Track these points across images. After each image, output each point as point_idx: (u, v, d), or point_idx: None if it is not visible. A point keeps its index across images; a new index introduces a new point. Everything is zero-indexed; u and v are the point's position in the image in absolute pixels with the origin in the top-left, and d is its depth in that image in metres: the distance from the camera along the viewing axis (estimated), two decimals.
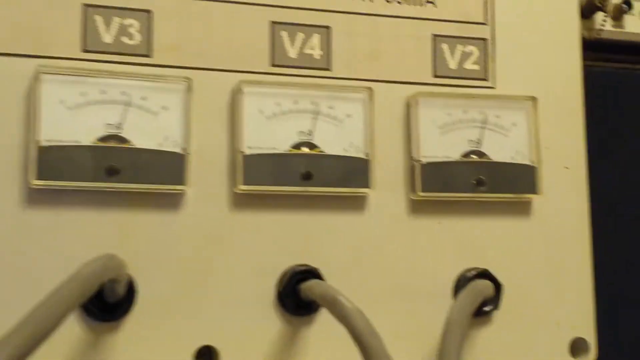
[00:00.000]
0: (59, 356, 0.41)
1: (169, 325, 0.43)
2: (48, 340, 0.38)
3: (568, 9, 0.53)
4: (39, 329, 0.27)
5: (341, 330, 0.40)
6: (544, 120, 0.51)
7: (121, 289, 0.39)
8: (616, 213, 0.56)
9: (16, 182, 0.42)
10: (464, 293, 0.43)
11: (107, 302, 0.41)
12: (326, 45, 0.48)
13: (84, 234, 0.42)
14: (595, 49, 0.57)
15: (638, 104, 0.59)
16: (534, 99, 0.50)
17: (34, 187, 0.41)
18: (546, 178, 0.50)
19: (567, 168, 0.51)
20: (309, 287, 0.42)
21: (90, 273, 0.32)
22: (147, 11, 0.45)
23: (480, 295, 0.44)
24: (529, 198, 0.50)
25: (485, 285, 0.45)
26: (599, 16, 0.56)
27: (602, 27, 0.57)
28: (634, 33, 0.58)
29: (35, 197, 0.42)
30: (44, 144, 0.42)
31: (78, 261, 0.41)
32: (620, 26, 0.58)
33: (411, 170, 0.48)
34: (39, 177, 0.41)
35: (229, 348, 0.44)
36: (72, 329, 0.41)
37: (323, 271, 0.45)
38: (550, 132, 0.51)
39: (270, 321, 0.45)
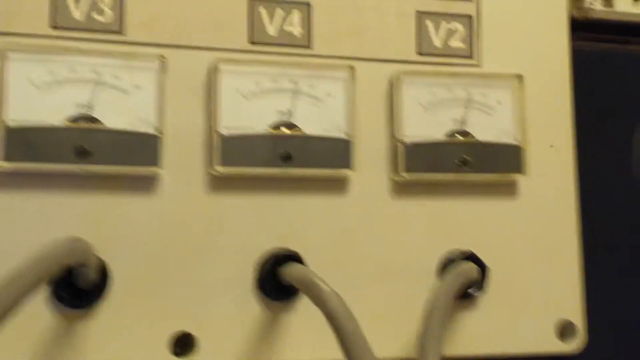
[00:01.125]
0: (29, 343, 0.40)
1: (144, 312, 0.42)
2: (18, 328, 0.37)
3: None
4: None
5: (321, 315, 0.39)
6: (530, 99, 0.49)
7: (92, 274, 0.38)
8: (604, 192, 0.55)
9: None
10: (447, 276, 0.42)
11: (79, 288, 0.39)
12: (307, 22, 0.47)
13: (55, 217, 0.41)
14: (584, 29, 0.56)
15: (627, 83, 0.58)
16: (519, 77, 0.49)
17: (1, 170, 0.40)
18: (532, 157, 0.49)
19: (552, 147, 0.50)
20: (289, 272, 0.41)
21: (50, 254, 0.31)
22: None
23: (464, 278, 0.43)
24: (514, 178, 0.49)
25: (470, 267, 0.44)
26: None
27: (591, 7, 0.55)
28: (623, 12, 0.56)
29: (2, 180, 0.40)
30: (11, 124, 0.40)
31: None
32: (610, 5, 0.56)
33: (394, 151, 0.46)
34: (6, 159, 0.40)
35: (207, 334, 0.43)
36: (43, 315, 0.40)
37: (304, 255, 0.44)
38: (537, 111, 0.50)
39: (249, 306, 0.44)
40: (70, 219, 0.41)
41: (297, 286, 0.38)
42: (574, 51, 0.52)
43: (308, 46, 0.47)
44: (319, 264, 0.44)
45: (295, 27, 0.46)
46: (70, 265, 0.33)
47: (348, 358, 0.32)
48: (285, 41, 0.46)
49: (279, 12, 0.46)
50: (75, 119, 0.41)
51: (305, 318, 0.44)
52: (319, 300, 0.34)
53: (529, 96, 0.49)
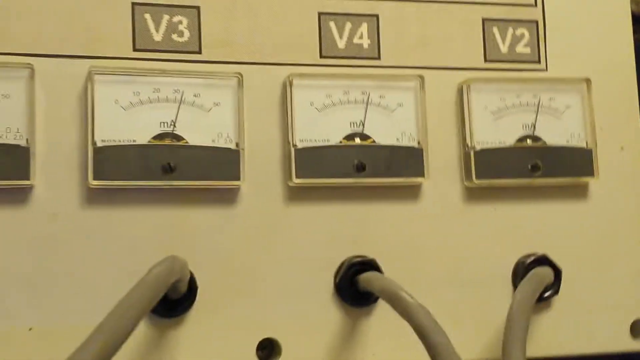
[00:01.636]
0: (124, 354, 0.41)
1: (229, 319, 0.43)
2: None
3: None
4: (114, 338, 0.27)
5: (399, 320, 0.40)
6: (598, 101, 0.50)
7: (184, 287, 0.40)
8: None
9: (74, 182, 0.42)
10: (526, 281, 0.43)
11: (169, 299, 0.41)
12: (375, 34, 0.48)
13: (142, 232, 0.43)
14: None
15: None
16: (587, 80, 0.49)
17: (92, 187, 0.42)
18: (602, 160, 0.49)
19: (623, 149, 0.50)
20: (368, 280, 0.42)
21: (157, 278, 0.33)
22: (196, 7, 0.45)
23: (542, 283, 0.43)
24: (585, 181, 0.49)
25: (546, 272, 0.45)
26: None
27: None
28: None
29: (93, 197, 0.42)
30: (100, 144, 0.42)
31: (136, 260, 0.42)
32: None
33: (465, 158, 0.47)
34: (96, 177, 0.42)
35: (289, 340, 0.44)
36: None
37: (380, 261, 0.45)
38: (605, 113, 0.50)
39: (329, 313, 0.45)
40: (157, 232, 0.43)
41: (381, 297, 0.39)
42: (635, 46, 0.52)
43: (377, 57, 0.48)
44: (394, 271, 0.45)
45: (364, 39, 0.48)
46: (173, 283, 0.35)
47: None
48: (355, 54, 0.47)
49: (348, 25, 0.47)
50: (159, 137, 0.43)
51: (383, 323, 0.45)
52: (406, 313, 0.35)
53: (596, 99, 0.49)
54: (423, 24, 0.48)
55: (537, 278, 0.43)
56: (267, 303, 0.44)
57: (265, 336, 0.44)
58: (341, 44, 0.47)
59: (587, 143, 0.49)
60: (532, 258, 0.47)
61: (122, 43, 0.44)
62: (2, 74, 0.41)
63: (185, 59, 0.45)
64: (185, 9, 0.45)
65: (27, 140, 0.41)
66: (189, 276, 0.40)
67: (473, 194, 0.48)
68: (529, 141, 0.48)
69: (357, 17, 0.47)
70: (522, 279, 0.45)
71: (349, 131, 0.46)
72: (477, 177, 0.47)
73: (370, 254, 0.45)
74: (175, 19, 0.45)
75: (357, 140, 0.46)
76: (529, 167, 0.47)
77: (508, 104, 0.48)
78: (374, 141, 0.46)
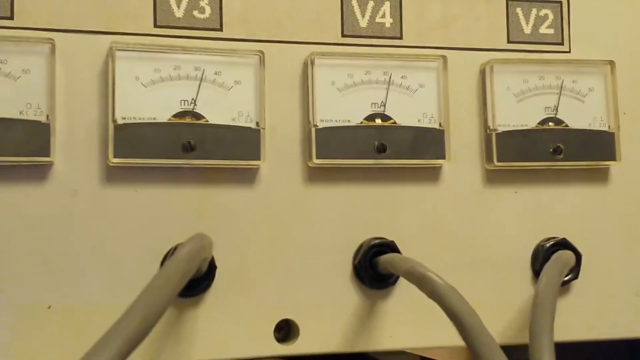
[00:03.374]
0: None
1: (247, 300, 0.43)
2: None
3: None
4: (152, 312, 0.27)
5: (417, 302, 0.40)
6: (622, 85, 0.49)
7: (205, 266, 0.40)
8: None
9: (95, 160, 0.42)
10: (551, 264, 0.42)
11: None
12: (397, 13, 0.47)
13: (162, 210, 0.43)
14: None
15: None
16: (611, 62, 0.49)
17: (112, 164, 0.41)
18: (624, 144, 0.48)
19: None
20: (390, 261, 0.42)
21: (190, 255, 0.32)
22: None
23: (567, 267, 0.43)
24: (607, 165, 0.48)
25: (569, 255, 0.44)
26: None
27: None
28: None
29: (113, 175, 0.42)
30: (121, 121, 0.41)
31: (156, 238, 0.42)
32: None
33: (487, 140, 0.47)
34: (117, 155, 0.41)
35: (307, 321, 0.44)
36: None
37: (398, 243, 0.45)
38: (628, 97, 0.49)
39: (347, 294, 0.45)
40: (177, 211, 0.43)
41: (406, 278, 0.39)
42: None
43: (399, 37, 0.47)
44: (413, 253, 0.45)
45: (386, 18, 0.47)
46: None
47: (473, 352, 0.33)
48: (377, 33, 0.47)
49: (370, 4, 0.47)
50: (180, 115, 0.42)
51: (401, 305, 0.45)
52: (436, 295, 0.35)
53: (620, 82, 0.49)
54: (446, 3, 0.48)
55: (562, 260, 0.43)
56: (285, 284, 0.44)
57: (283, 317, 0.44)
58: (363, 22, 0.47)
59: (609, 127, 0.48)
60: (552, 242, 0.46)
61: (143, 19, 0.43)
62: (23, 49, 0.41)
63: (207, 36, 0.44)
64: None
65: (47, 116, 0.41)
66: (211, 255, 0.40)
67: (494, 177, 0.47)
68: (551, 124, 0.47)
69: None
70: (541, 262, 0.45)
71: (370, 112, 0.45)
72: (499, 159, 0.46)
73: (389, 236, 0.45)
74: None
75: (378, 121, 0.45)
76: (551, 150, 0.47)
77: (531, 85, 0.47)
78: (395, 122, 0.45)
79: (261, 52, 0.44)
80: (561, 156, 0.47)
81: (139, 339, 0.26)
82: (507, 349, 0.44)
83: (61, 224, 0.41)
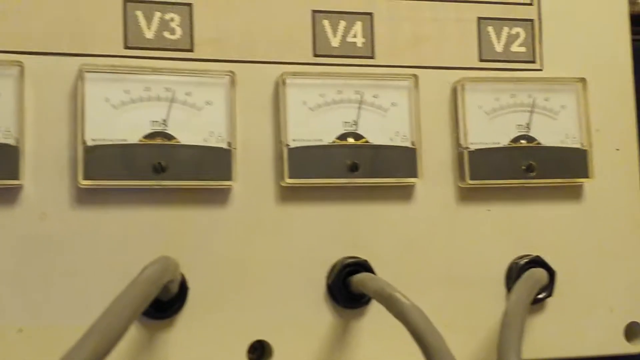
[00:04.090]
0: (113, 356, 0.41)
1: (220, 321, 0.43)
2: None
3: None
4: (108, 338, 0.27)
5: (392, 322, 0.39)
6: (594, 102, 0.49)
7: (175, 288, 0.39)
8: None
9: (64, 182, 0.42)
10: (522, 282, 0.42)
11: (160, 301, 0.41)
12: (369, 33, 0.47)
13: (133, 232, 0.42)
14: (638, 23, 0.55)
15: None
16: (583, 80, 0.49)
17: (82, 186, 0.41)
18: (597, 161, 0.49)
19: (618, 150, 0.50)
20: (361, 281, 0.42)
21: (151, 278, 0.32)
22: (188, 4, 0.44)
23: (538, 284, 0.43)
24: (580, 182, 0.49)
25: (541, 274, 0.44)
26: None
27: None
28: None
29: (83, 197, 0.42)
30: (90, 143, 0.41)
31: (127, 260, 0.42)
32: None
33: (459, 158, 0.47)
34: (87, 177, 0.41)
35: (281, 342, 0.44)
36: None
37: (372, 262, 0.45)
38: (600, 114, 0.49)
39: (321, 314, 0.45)
40: (148, 233, 0.43)
41: (374, 298, 0.39)
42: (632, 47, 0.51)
43: (371, 56, 0.47)
44: (387, 272, 0.45)
45: (358, 37, 0.47)
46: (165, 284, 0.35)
47: None
48: (349, 52, 0.47)
49: (342, 24, 0.47)
50: (151, 136, 0.42)
51: (375, 324, 0.45)
52: (401, 315, 0.35)
53: (592, 99, 0.49)
54: (417, 22, 0.48)
55: (533, 279, 0.43)
56: (258, 305, 0.44)
57: (256, 338, 0.43)
58: (335, 42, 0.47)
59: (582, 144, 0.48)
60: (526, 259, 0.46)
61: (113, 40, 0.43)
62: None
63: (177, 57, 0.44)
64: (177, 6, 0.44)
65: (16, 139, 0.40)
66: (180, 277, 0.40)
67: (467, 195, 0.47)
68: (523, 141, 0.48)
69: (351, 16, 0.47)
70: (515, 280, 0.45)
71: (342, 131, 0.45)
72: (471, 177, 0.46)
73: (362, 255, 0.45)
74: (167, 16, 0.44)
75: (351, 140, 0.45)
76: (524, 167, 0.47)
77: (503, 103, 0.48)
78: (367, 141, 0.46)
79: (232, 72, 0.44)
80: (534, 174, 0.47)
81: None
82: None
83: (31, 246, 0.41)
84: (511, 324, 0.37)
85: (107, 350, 0.27)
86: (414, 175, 0.46)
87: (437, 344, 0.33)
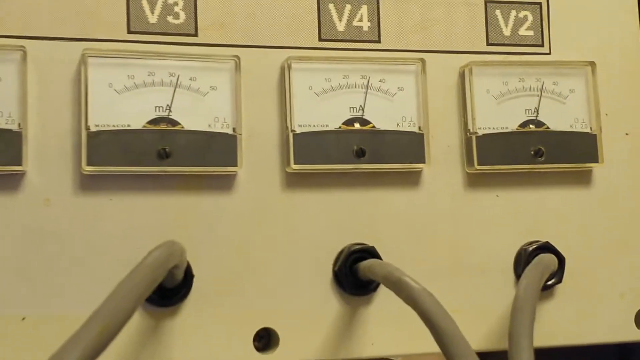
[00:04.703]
0: (119, 343, 0.41)
1: (226, 309, 0.43)
2: None
3: None
4: (113, 323, 0.27)
5: (399, 309, 0.39)
6: (603, 86, 0.48)
7: (180, 274, 0.39)
8: None
9: (68, 168, 0.41)
10: (531, 268, 0.42)
11: (165, 288, 0.40)
12: (375, 17, 0.47)
13: (137, 218, 0.42)
14: None
15: None
16: (592, 64, 0.48)
17: (86, 172, 0.41)
18: (606, 146, 0.48)
19: (628, 135, 0.49)
20: (369, 267, 0.41)
21: (156, 262, 0.32)
22: None
23: (547, 270, 0.42)
24: (589, 167, 0.48)
25: (551, 259, 0.44)
26: None
27: None
28: None
29: (87, 183, 0.41)
30: (94, 129, 0.41)
31: (133, 246, 0.41)
32: None
33: (467, 143, 0.46)
34: (90, 163, 0.41)
35: (287, 330, 0.43)
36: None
37: (379, 249, 0.44)
38: (610, 98, 0.49)
39: (328, 301, 0.44)
40: (153, 219, 0.42)
41: (383, 283, 0.38)
42: None
43: (377, 40, 0.47)
44: (394, 258, 0.44)
45: (363, 21, 0.46)
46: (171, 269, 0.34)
47: (447, 356, 0.32)
48: (355, 37, 0.46)
49: (347, 7, 0.46)
50: (155, 121, 0.42)
51: (383, 311, 0.45)
52: (411, 299, 0.34)
53: (601, 83, 0.48)
54: (424, 6, 0.47)
55: (543, 264, 0.42)
56: (264, 292, 0.43)
57: (263, 326, 0.43)
58: (341, 26, 0.46)
59: (591, 128, 0.48)
60: (534, 245, 0.46)
61: (116, 25, 0.43)
62: None
63: (181, 42, 0.44)
64: None
65: (19, 124, 0.40)
66: (186, 263, 0.40)
67: (475, 180, 0.47)
68: (532, 126, 0.47)
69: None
70: (524, 266, 0.45)
71: (348, 116, 0.45)
72: (479, 162, 0.46)
73: (369, 241, 0.45)
74: (171, 0, 0.44)
75: (357, 126, 0.45)
76: (532, 152, 0.46)
77: (511, 88, 0.47)
78: (373, 126, 0.45)
79: (237, 57, 0.43)
80: (543, 159, 0.47)
81: (100, 348, 0.26)
82: (489, 355, 0.43)
83: (34, 233, 0.40)
84: (523, 308, 0.37)
85: (113, 334, 0.27)
86: (422, 160, 0.45)
87: (448, 327, 0.32)
